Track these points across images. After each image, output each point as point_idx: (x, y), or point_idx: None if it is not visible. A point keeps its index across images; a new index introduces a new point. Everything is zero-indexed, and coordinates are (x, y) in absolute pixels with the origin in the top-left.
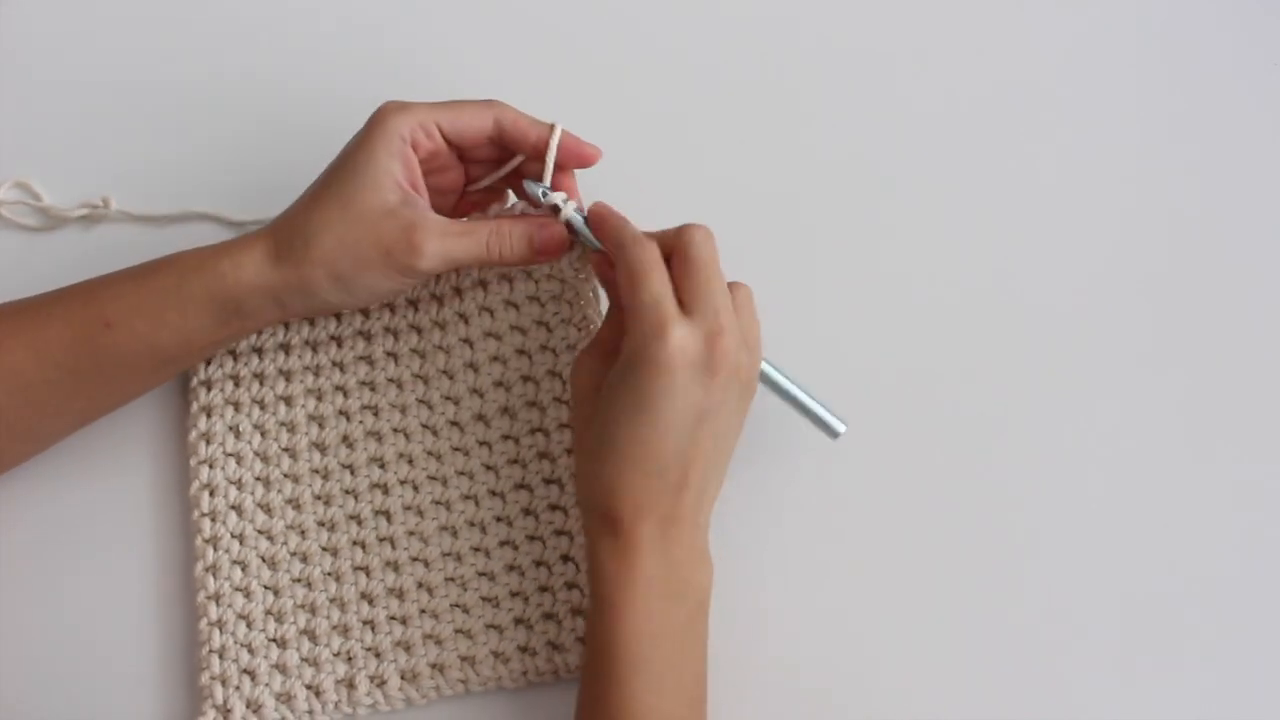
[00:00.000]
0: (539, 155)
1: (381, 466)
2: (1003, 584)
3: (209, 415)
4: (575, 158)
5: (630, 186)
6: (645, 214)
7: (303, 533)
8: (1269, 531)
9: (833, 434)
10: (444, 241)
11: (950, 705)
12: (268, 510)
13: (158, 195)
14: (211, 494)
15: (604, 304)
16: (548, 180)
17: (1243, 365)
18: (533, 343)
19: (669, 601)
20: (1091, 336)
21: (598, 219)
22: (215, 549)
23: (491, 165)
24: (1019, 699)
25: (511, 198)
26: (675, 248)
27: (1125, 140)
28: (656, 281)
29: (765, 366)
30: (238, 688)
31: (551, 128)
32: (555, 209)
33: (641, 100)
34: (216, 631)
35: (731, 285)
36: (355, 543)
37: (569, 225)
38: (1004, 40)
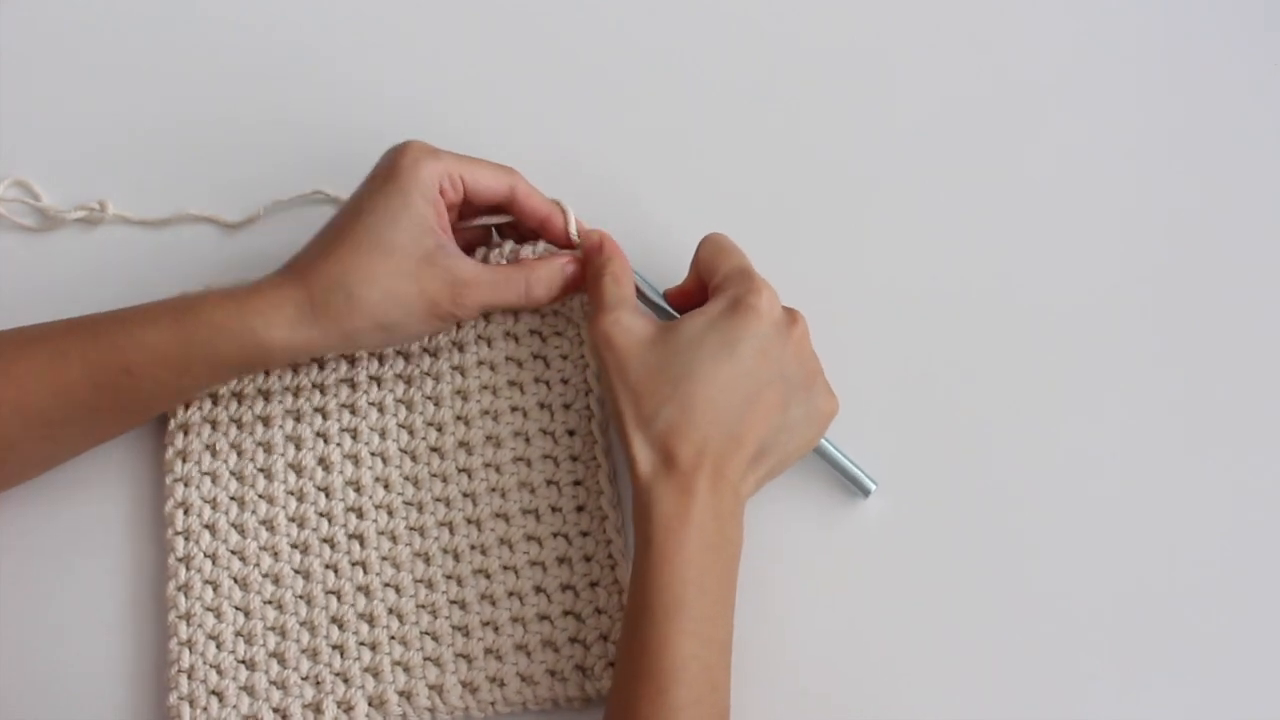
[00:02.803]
0: (542, 229)
1: (357, 490)
2: (1011, 590)
3: (186, 433)
4: (566, 237)
5: (632, 197)
6: (650, 222)
7: (275, 554)
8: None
9: (865, 491)
10: (482, 290)
11: (958, 704)
12: (241, 531)
13: (157, 195)
14: (186, 512)
15: None
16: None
17: (1245, 366)
18: (527, 374)
19: (712, 553)
20: (1094, 339)
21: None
22: (188, 568)
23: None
24: (1027, 703)
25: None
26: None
27: (1126, 141)
28: (743, 256)
29: None
30: (205, 709)
31: (560, 207)
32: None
33: (645, 112)
34: (186, 651)
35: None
36: (328, 566)
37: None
38: (1005, 40)
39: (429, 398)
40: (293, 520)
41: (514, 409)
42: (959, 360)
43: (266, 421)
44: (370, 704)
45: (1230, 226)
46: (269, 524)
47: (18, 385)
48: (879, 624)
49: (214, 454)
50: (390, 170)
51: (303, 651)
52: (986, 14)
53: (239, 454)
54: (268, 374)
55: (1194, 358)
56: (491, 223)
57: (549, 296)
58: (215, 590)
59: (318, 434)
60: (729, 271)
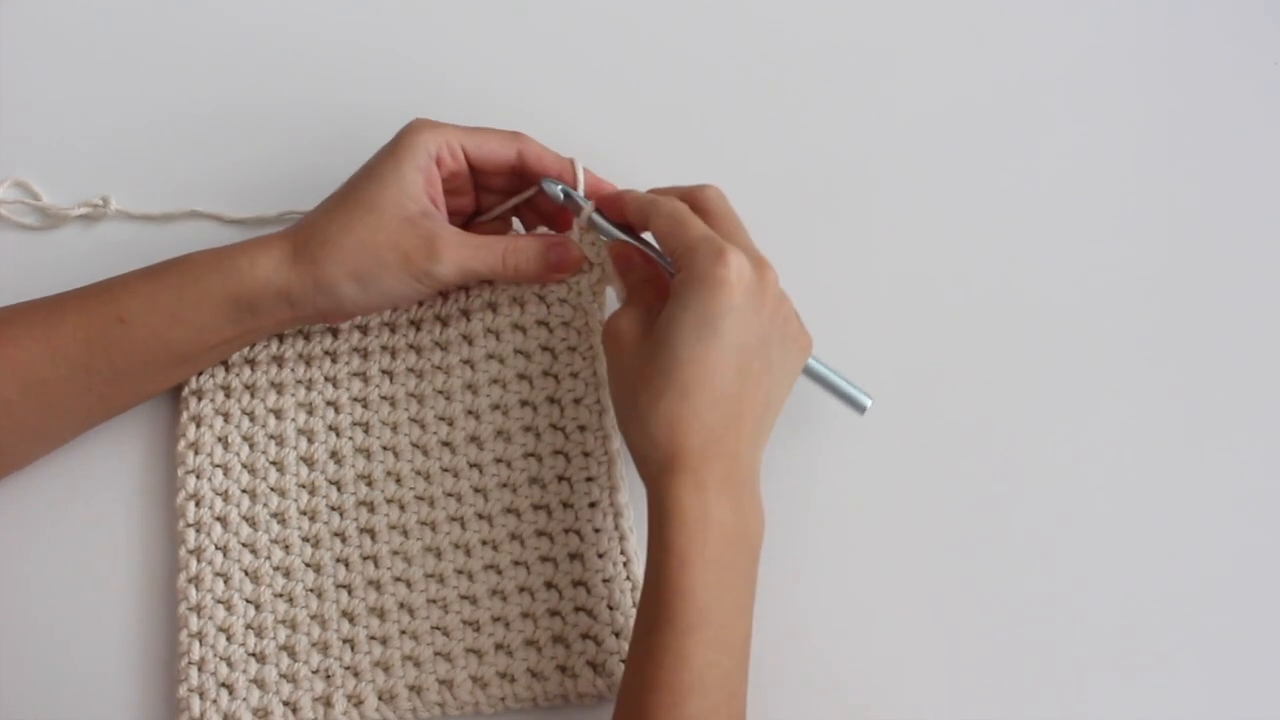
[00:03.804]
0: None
1: (369, 484)
2: (1006, 582)
3: (198, 425)
4: (592, 193)
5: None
6: None
7: (286, 547)
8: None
9: (860, 408)
10: (461, 250)
11: (959, 700)
12: (252, 523)
13: (157, 194)
14: (197, 504)
15: None
16: (582, 193)
17: (1245, 365)
18: (535, 367)
19: (733, 549)
20: (1094, 335)
21: (614, 200)
22: (199, 560)
23: (505, 196)
24: (1024, 697)
25: (516, 225)
26: (696, 207)
27: (1127, 139)
28: (699, 223)
29: None
30: (215, 701)
31: (571, 162)
32: (569, 200)
33: (652, 107)
34: (196, 643)
35: None
36: (339, 560)
37: (590, 221)
38: (1008, 40)
39: (440, 392)
40: (304, 514)
41: (523, 403)
42: (961, 359)
43: (279, 414)
44: (380, 698)
45: (1232, 225)
46: (280, 517)
47: (13, 343)
48: (886, 613)
49: (226, 447)
50: (389, 144)
51: (313, 645)
52: (988, 14)
53: (251, 447)
54: (281, 366)
55: (1195, 353)
56: (512, 204)
57: (524, 269)
58: (226, 583)
59: (330, 427)
60: (689, 243)
